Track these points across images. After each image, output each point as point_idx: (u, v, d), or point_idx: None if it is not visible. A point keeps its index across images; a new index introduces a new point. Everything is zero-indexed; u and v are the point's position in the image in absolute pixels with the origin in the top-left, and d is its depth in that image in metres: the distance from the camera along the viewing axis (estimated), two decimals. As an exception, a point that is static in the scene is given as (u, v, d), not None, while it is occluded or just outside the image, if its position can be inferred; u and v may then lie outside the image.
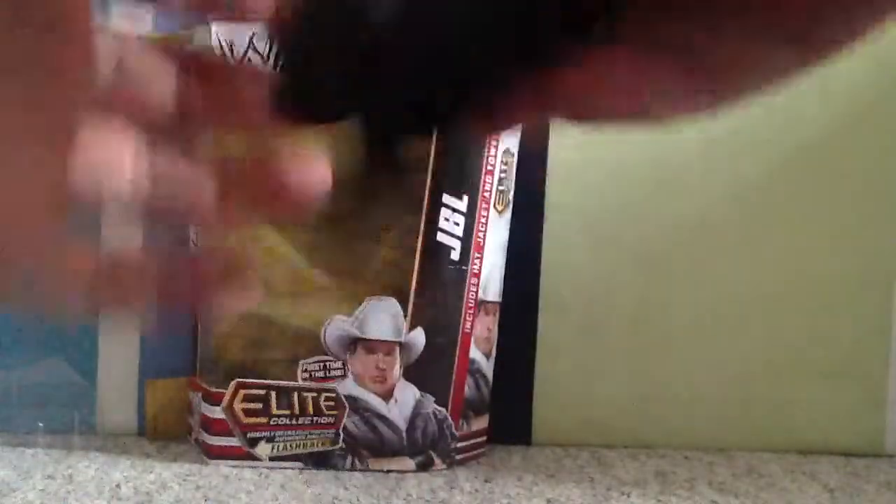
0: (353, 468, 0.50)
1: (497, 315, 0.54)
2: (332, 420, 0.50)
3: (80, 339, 0.56)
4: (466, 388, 0.51)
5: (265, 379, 0.49)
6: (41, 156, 0.19)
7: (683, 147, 0.57)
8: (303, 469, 0.50)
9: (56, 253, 0.20)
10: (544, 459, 0.54)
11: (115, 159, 0.20)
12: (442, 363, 0.50)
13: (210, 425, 0.50)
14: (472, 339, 0.51)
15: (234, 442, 0.50)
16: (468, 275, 0.50)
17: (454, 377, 0.50)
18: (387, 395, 0.50)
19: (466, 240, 0.49)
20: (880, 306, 0.57)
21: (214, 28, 0.48)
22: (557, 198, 0.57)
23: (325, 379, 0.49)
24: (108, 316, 0.56)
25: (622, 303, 0.57)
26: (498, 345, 0.54)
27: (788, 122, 0.57)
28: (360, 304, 0.49)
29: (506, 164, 0.51)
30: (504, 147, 0.51)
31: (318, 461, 0.50)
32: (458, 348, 0.50)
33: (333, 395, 0.49)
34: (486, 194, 0.50)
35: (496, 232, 0.51)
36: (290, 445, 0.50)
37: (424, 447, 0.50)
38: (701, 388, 0.57)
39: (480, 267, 0.50)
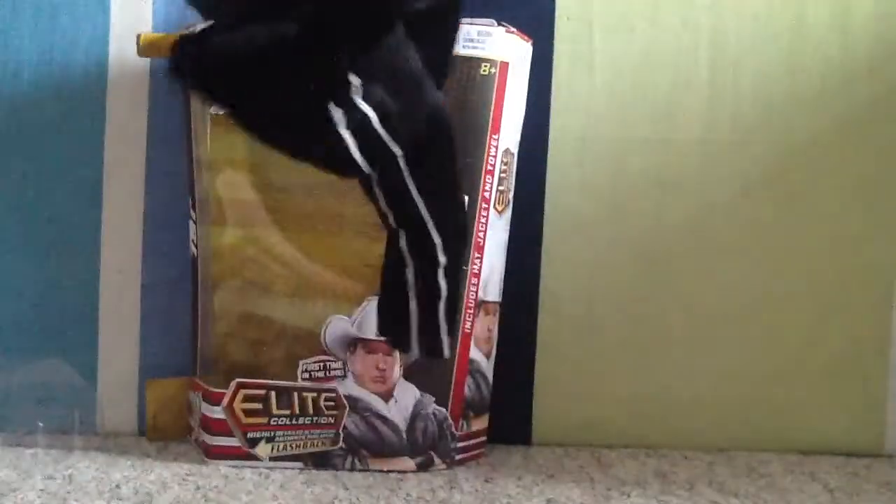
0: (353, 468, 0.50)
1: (497, 315, 0.54)
2: (332, 420, 0.50)
3: (80, 339, 0.56)
4: (466, 388, 0.51)
5: (265, 379, 0.49)
6: None
7: (683, 147, 0.57)
8: (303, 469, 0.50)
9: None
10: (544, 459, 0.54)
11: None
12: (442, 363, 0.50)
13: (210, 425, 0.50)
14: (472, 339, 0.51)
15: (234, 442, 0.50)
16: (468, 275, 0.50)
17: (454, 377, 0.50)
18: (387, 395, 0.50)
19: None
20: (880, 307, 0.57)
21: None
22: (557, 198, 0.57)
23: (325, 379, 0.49)
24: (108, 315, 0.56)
25: (622, 303, 0.57)
26: (498, 345, 0.54)
27: (788, 122, 0.57)
28: (360, 304, 0.49)
29: (506, 164, 0.51)
30: (504, 147, 0.51)
31: (318, 461, 0.50)
32: (458, 348, 0.50)
33: (333, 395, 0.49)
34: (486, 194, 0.50)
35: (496, 232, 0.51)
36: (290, 445, 0.50)
37: (424, 447, 0.50)
38: (701, 388, 0.57)
39: (480, 267, 0.50)
